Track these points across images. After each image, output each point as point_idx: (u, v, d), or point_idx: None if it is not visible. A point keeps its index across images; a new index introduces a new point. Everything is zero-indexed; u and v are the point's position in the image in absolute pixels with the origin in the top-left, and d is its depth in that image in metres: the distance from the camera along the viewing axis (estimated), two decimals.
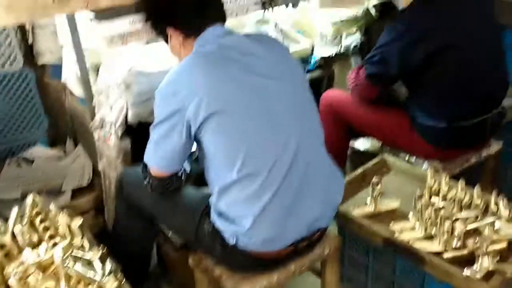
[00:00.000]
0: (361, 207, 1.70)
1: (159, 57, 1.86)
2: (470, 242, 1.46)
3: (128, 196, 1.58)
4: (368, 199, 1.70)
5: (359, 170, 1.86)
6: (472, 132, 1.84)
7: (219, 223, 1.36)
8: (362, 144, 2.30)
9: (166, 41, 1.46)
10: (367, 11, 2.46)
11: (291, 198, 1.34)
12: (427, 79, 1.79)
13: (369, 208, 1.69)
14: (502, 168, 2.25)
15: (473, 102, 1.80)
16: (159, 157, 1.36)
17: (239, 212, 1.33)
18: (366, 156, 2.16)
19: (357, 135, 2.17)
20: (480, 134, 1.88)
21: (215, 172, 1.36)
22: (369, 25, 2.48)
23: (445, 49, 1.72)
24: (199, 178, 1.56)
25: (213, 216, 1.37)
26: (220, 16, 1.44)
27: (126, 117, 1.77)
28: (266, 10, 2.24)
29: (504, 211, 1.57)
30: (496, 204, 1.59)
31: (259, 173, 1.30)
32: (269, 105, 1.33)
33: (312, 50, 2.41)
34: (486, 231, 1.47)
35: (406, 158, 2.02)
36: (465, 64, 1.75)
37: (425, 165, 1.92)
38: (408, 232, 1.56)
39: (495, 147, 1.99)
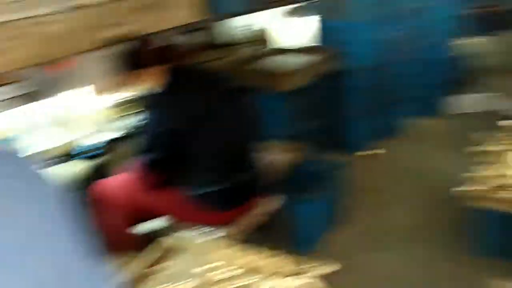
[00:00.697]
0: None
1: None
2: None
3: None
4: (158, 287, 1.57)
5: (145, 257, 1.73)
6: (240, 190, 1.96)
7: None
8: (148, 226, 2.19)
9: None
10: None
11: None
12: (186, 152, 1.87)
13: None
14: (291, 223, 2.39)
15: (229, 166, 1.93)
16: None
17: None
18: (153, 238, 2.04)
19: (143, 218, 2.08)
20: (247, 192, 2.01)
21: None
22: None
23: (194, 122, 1.83)
24: None
25: None
26: None
27: None
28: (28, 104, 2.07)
29: (290, 268, 1.60)
30: (283, 261, 1.62)
31: None
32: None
33: (87, 138, 2.27)
34: None
35: (195, 232, 1.97)
36: (213, 135, 1.88)
37: (214, 235, 1.90)
38: None
39: (273, 203, 2.10)
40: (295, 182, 2.50)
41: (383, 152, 3.58)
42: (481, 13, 6.63)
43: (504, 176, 2.21)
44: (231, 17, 2.88)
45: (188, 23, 2.37)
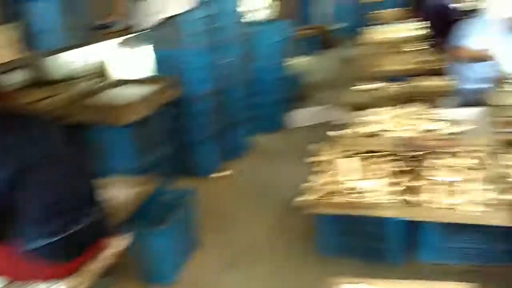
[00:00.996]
0: None
1: None
2: None
3: None
4: None
5: None
6: (82, 236, 1.82)
7: None
8: None
9: None
10: None
11: None
12: (15, 203, 1.69)
13: None
14: (144, 258, 2.32)
15: (68, 213, 1.78)
16: None
17: None
18: None
19: None
20: (91, 236, 1.88)
21: None
22: None
23: (20, 172, 1.66)
24: None
25: None
26: None
27: None
28: None
29: None
30: None
31: None
32: None
33: None
34: None
35: None
36: (44, 182, 1.73)
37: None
38: None
39: (123, 242, 2.02)
40: (145, 215, 2.44)
41: (232, 173, 3.69)
42: (308, 34, 7.31)
43: (335, 182, 2.43)
44: (56, 53, 2.74)
45: (6, 62, 2.19)
